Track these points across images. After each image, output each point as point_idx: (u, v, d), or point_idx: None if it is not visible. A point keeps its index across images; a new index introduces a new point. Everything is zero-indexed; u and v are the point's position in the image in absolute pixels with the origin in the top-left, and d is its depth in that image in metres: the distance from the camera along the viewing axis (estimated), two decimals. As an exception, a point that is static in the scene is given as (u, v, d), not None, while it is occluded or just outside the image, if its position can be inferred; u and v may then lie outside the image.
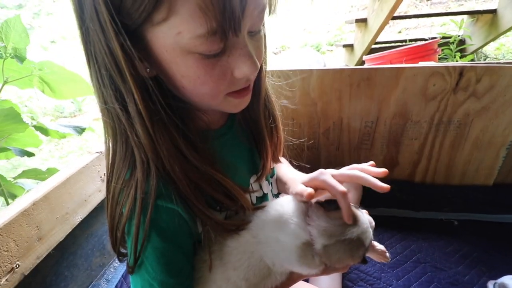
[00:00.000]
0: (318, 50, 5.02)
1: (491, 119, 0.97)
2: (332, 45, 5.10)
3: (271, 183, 0.59)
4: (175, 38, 0.31)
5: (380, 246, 0.49)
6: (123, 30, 0.30)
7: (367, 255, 0.47)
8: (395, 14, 1.95)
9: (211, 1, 0.28)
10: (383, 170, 0.46)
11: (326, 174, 0.46)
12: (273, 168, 0.62)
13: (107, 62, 0.32)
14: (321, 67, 0.97)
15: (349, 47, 2.72)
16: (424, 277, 0.74)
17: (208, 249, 0.44)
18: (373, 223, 0.45)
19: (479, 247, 0.84)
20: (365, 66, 0.96)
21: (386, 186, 0.43)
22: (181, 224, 0.40)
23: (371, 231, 0.43)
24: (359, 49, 2.41)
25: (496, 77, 0.91)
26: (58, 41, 6.03)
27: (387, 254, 0.48)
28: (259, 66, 0.36)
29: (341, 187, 0.43)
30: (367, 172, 0.46)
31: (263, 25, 0.36)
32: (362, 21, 2.33)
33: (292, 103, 0.96)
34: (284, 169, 0.63)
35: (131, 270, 0.40)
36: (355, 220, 0.41)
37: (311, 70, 0.94)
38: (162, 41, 0.32)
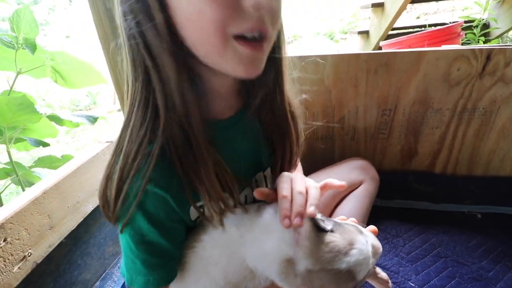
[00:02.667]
0: (332, 39, 4.87)
1: (521, 106, 0.90)
2: (346, 33, 4.93)
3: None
4: None
5: (383, 274, 0.45)
6: None
7: (369, 280, 0.43)
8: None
9: None
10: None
11: (285, 177, 0.44)
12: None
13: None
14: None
15: (365, 33, 2.61)
16: (445, 272, 0.70)
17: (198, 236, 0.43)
18: (380, 249, 0.39)
19: (504, 241, 0.79)
20: (383, 51, 0.90)
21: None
22: (168, 210, 0.39)
23: (369, 262, 0.37)
24: (375, 35, 2.31)
25: (527, 60, 0.84)
26: (73, 36, 6.14)
27: (389, 284, 0.44)
28: (275, 5, 0.33)
29: (286, 192, 0.40)
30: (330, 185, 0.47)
31: None
32: (379, 6, 2.22)
33: (305, 91, 0.93)
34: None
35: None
36: (351, 247, 0.36)
37: (325, 56, 0.90)
38: None
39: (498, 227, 0.86)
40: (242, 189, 0.47)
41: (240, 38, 0.34)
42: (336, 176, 0.77)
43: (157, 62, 0.34)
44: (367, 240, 0.39)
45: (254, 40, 0.34)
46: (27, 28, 0.91)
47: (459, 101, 0.92)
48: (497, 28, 2.18)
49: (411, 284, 0.67)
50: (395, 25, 2.38)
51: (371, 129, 1.01)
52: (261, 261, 0.39)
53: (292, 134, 0.50)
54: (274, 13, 0.33)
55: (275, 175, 0.51)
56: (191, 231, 0.45)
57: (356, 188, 0.77)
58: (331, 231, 0.38)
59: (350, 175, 0.78)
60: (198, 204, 0.41)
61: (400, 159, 1.06)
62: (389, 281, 0.45)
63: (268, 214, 0.41)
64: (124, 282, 0.65)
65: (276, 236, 0.38)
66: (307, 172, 0.85)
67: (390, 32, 2.39)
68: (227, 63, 0.36)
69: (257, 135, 0.49)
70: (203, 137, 0.37)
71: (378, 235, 0.44)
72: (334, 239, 0.37)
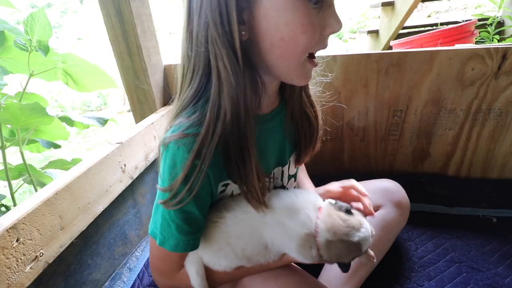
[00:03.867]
0: (340, 38, 4.82)
1: (539, 106, 0.87)
2: (355, 32, 4.86)
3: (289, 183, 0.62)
4: None
5: (371, 252, 0.52)
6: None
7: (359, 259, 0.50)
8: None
9: None
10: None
11: (353, 181, 0.63)
12: (297, 170, 0.64)
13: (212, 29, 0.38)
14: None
15: (374, 33, 2.57)
16: (458, 278, 0.68)
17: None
18: (374, 232, 0.48)
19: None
20: (394, 50, 0.88)
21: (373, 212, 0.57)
22: (205, 184, 0.44)
23: (370, 240, 0.46)
24: (385, 35, 2.27)
25: (546, 59, 0.81)
26: (85, 38, 6.26)
27: (374, 260, 0.53)
28: (341, 25, 0.41)
29: (365, 191, 0.59)
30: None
31: None
32: (389, 5, 2.19)
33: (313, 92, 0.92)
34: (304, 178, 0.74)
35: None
36: (361, 226, 0.45)
37: (334, 56, 0.89)
38: None
39: (510, 232, 0.83)
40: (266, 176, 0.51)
41: (309, 56, 0.44)
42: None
43: (228, 70, 0.39)
44: (368, 225, 0.48)
45: (313, 57, 0.44)
46: (41, 30, 0.93)
47: (474, 102, 0.89)
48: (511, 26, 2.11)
49: (435, 272, 0.65)
50: (406, 24, 2.34)
51: (382, 131, 0.99)
52: (281, 238, 0.47)
53: (316, 128, 0.57)
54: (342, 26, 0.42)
55: (296, 163, 0.60)
56: (211, 207, 0.51)
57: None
58: (348, 211, 0.47)
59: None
60: (225, 182, 0.48)
61: (412, 161, 1.03)
62: (375, 258, 0.53)
63: (289, 198, 0.50)
64: (133, 282, 0.65)
65: (298, 216, 0.47)
66: (316, 172, 0.84)
67: (401, 32, 2.35)
68: (295, 75, 0.44)
69: (286, 131, 0.55)
70: (253, 131, 0.43)
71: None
72: (350, 218, 0.46)
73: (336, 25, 0.40)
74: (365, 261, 0.52)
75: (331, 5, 0.40)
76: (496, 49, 0.82)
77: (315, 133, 0.58)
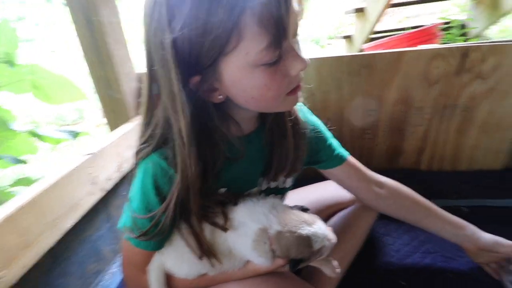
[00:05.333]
0: (318, 44, 4.96)
1: (498, 101, 0.92)
2: (332, 38, 5.02)
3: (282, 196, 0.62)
4: (245, 58, 0.37)
5: (335, 262, 0.53)
6: (199, 69, 0.39)
7: (321, 267, 0.52)
8: (394, 2, 1.90)
9: (266, 17, 0.35)
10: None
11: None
12: (290, 185, 0.63)
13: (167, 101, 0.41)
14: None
15: (349, 38, 2.67)
16: (434, 267, 0.71)
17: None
18: (333, 240, 0.48)
19: (491, 232, 0.79)
20: (364, 52, 0.92)
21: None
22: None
23: (324, 239, 0.46)
24: (358, 39, 2.36)
25: (502, 56, 0.86)
26: (59, 51, 6.06)
27: (337, 270, 0.52)
28: (307, 61, 0.41)
29: None
30: None
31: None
32: (361, 11, 2.28)
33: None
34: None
35: None
36: (313, 222, 0.46)
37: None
38: (234, 65, 0.39)
39: (485, 220, 0.86)
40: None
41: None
42: (323, 191, 0.77)
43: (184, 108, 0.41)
44: (326, 227, 0.48)
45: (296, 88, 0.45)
46: (7, 42, 0.89)
47: (440, 99, 0.94)
48: (474, 28, 2.26)
49: (401, 282, 0.66)
50: (379, 29, 2.44)
51: (357, 130, 1.02)
52: (239, 237, 0.48)
53: (289, 140, 0.54)
54: (307, 62, 0.42)
55: (268, 180, 0.57)
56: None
57: (345, 207, 0.75)
58: (304, 210, 0.50)
59: (339, 191, 0.74)
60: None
61: (386, 158, 1.06)
62: (339, 269, 0.53)
63: (251, 201, 0.51)
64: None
65: (254, 213, 0.48)
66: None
67: (374, 36, 2.45)
68: (277, 109, 0.47)
69: (263, 154, 0.55)
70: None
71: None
72: (304, 215, 0.48)
73: (300, 65, 0.41)
74: (329, 272, 0.52)
75: (291, 50, 0.40)
76: (457, 48, 0.87)
77: (294, 152, 0.55)
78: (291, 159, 0.55)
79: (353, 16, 2.48)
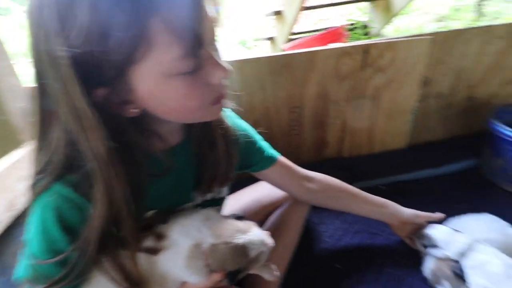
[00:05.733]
0: (244, 46, 5.08)
1: (397, 90, 1.07)
2: (258, 40, 5.21)
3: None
4: (157, 67, 0.35)
5: (273, 266, 0.53)
6: (104, 80, 0.34)
7: (260, 273, 0.51)
8: (307, 5, 2.06)
9: (177, 25, 0.33)
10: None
11: None
12: (226, 194, 0.61)
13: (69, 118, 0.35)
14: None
15: (272, 39, 2.79)
16: (362, 246, 0.78)
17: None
18: (270, 244, 0.48)
19: (406, 205, 0.91)
20: (283, 52, 0.96)
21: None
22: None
23: (261, 246, 0.45)
24: (279, 40, 2.48)
25: (394, 52, 1.01)
26: None
27: (276, 273, 0.53)
28: (228, 69, 0.40)
29: None
30: None
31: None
32: (279, 13, 2.41)
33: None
34: None
35: None
36: (249, 230, 0.46)
37: (230, 62, 0.90)
38: (146, 75, 0.35)
39: (400, 194, 1.00)
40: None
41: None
42: (258, 193, 0.77)
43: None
44: (262, 233, 0.48)
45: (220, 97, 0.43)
46: None
47: (351, 92, 1.04)
48: (373, 28, 2.61)
49: (337, 266, 0.71)
50: (297, 30, 2.61)
51: (285, 128, 1.06)
52: (171, 256, 0.44)
53: (220, 149, 0.52)
54: (228, 69, 0.40)
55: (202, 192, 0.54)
56: None
57: (280, 205, 0.76)
58: (239, 218, 0.49)
59: (273, 191, 0.75)
60: None
61: (314, 151, 1.14)
62: (278, 272, 0.53)
63: (183, 216, 0.48)
64: None
65: (186, 229, 0.46)
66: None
67: (293, 37, 2.62)
68: (202, 119, 0.45)
69: (193, 166, 0.52)
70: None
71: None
72: (238, 223, 0.47)
73: (220, 73, 0.39)
74: (268, 276, 0.52)
75: (209, 57, 0.38)
76: (360, 45, 0.98)
77: (226, 160, 0.53)
78: (223, 168, 0.53)
79: (272, 18, 2.60)
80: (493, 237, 0.71)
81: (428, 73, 1.08)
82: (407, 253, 0.76)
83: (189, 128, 0.50)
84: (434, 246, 0.66)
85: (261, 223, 0.74)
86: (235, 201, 0.74)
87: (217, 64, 0.38)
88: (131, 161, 0.40)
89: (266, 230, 0.71)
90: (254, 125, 1.01)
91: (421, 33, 1.04)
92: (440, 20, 3.19)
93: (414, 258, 0.73)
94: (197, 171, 0.52)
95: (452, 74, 1.12)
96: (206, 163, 0.51)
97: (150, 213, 0.48)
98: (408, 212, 0.73)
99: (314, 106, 1.04)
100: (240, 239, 0.44)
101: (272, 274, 0.51)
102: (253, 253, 0.44)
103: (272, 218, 0.74)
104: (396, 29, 3.05)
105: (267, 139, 1.06)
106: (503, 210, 0.91)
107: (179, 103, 0.39)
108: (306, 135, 1.09)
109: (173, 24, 0.32)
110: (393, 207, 0.73)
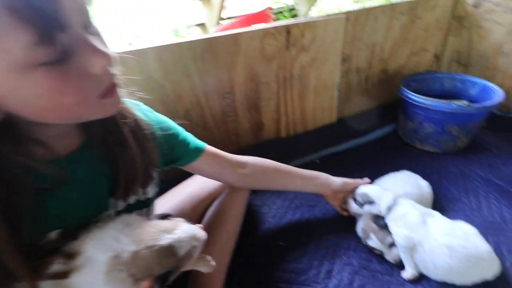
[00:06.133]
0: (177, 35, 4.80)
1: (320, 67, 1.12)
2: (190, 27, 4.96)
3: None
4: (7, 59, 0.28)
5: (208, 257, 0.51)
6: None
7: (195, 268, 0.49)
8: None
9: (22, 5, 0.27)
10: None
11: None
12: (154, 194, 0.55)
13: None
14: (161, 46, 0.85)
15: (203, 25, 2.68)
16: (302, 220, 0.81)
17: None
18: (203, 237, 0.46)
19: (339, 175, 0.97)
20: (203, 36, 0.91)
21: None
22: None
23: (191, 242, 0.43)
24: (209, 26, 2.39)
25: (314, 31, 1.04)
26: None
27: (212, 263, 0.51)
28: (110, 54, 0.34)
29: None
30: None
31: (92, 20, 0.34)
32: (205, -2, 2.30)
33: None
34: None
35: None
36: (174, 229, 0.42)
37: (143, 50, 0.82)
38: None
39: (332, 165, 1.07)
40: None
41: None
42: (193, 187, 0.73)
43: None
44: (192, 227, 0.45)
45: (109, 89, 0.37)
46: None
47: (279, 72, 1.06)
48: (300, 10, 2.69)
49: (280, 243, 0.73)
50: (227, 15, 2.55)
51: (218, 115, 1.03)
52: (88, 275, 0.39)
53: (132, 146, 0.46)
54: (114, 60, 0.35)
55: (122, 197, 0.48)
56: None
57: (218, 196, 0.74)
58: (165, 217, 0.46)
59: (208, 182, 0.72)
60: None
61: (252, 135, 1.14)
62: (213, 264, 0.51)
63: (97, 228, 0.43)
64: None
65: (103, 241, 0.41)
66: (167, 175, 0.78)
67: (223, 22, 2.54)
68: (91, 116, 0.38)
69: (103, 171, 0.46)
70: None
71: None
72: (162, 223, 0.43)
73: (99, 60, 0.33)
74: (205, 269, 0.50)
75: (83, 43, 0.32)
76: (281, 26, 0.99)
77: (142, 158, 0.48)
78: (140, 167, 0.48)
79: (200, 4, 2.49)
80: (409, 190, 0.81)
81: (346, 50, 1.15)
82: (342, 218, 0.82)
83: (88, 129, 0.44)
84: (370, 202, 0.72)
85: (201, 217, 0.71)
86: (169, 199, 0.70)
87: (94, 51, 0.33)
88: (2, 179, 0.33)
89: (206, 222, 0.70)
90: (185, 115, 0.97)
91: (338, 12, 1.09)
92: (357, 1, 3.46)
93: (348, 223, 0.79)
94: (111, 175, 0.46)
95: (367, 50, 1.22)
96: (119, 165, 0.46)
97: (54, 233, 0.41)
98: (338, 180, 0.78)
99: (245, 90, 1.03)
100: (166, 239, 0.40)
101: (208, 265, 0.50)
102: (182, 251, 0.41)
103: (212, 209, 0.71)
104: (320, 11, 3.21)
105: (203, 129, 1.03)
106: (416, 165, 1.05)
107: (51, 101, 0.32)
108: (242, 120, 1.08)
109: (16, 3, 0.26)
110: (324, 178, 0.77)
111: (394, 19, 1.21)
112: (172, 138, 0.56)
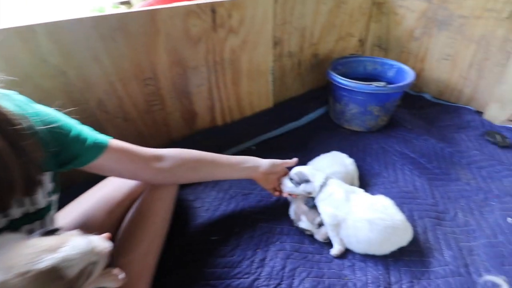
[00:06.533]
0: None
1: (252, 51, 1.09)
2: (117, 6, 4.42)
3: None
4: None
5: (115, 271, 0.45)
6: None
7: (101, 285, 0.42)
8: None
9: None
10: None
11: None
12: (51, 202, 0.46)
13: None
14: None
15: (128, 3, 2.39)
16: (236, 211, 0.79)
17: None
18: (106, 249, 0.40)
19: (275, 158, 0.97)
20: (111, 12, 0.78)
21: None
22: None
23: (87, 260, 0.37)
24: (136, 2, 2.15)
25: (242, 11, 0.99)
26: None
27: (121, 276, 0.44)
28: None
29: None
30: None
31: None
32: (126, -29, 2.04)
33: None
34: None
35: None
36: (60, 246, 0.35)
37: (31, 27, 0.66)
38: None
39: (267, 152, 1.07)
40: None
41: None
42: (106, 189, 0.63)
43: None
44: (89, 240, 0.38)
45: None
46: None
47: (208, 56, 0.99)
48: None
49: (212, 238, 0.70)
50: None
51: (141, 104, 0.92)
52: None
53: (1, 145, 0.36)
54: None
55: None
56: None
57: (139, 195, 0.65)
58: (51, 232, 0.38)
59: (125, 182, 0.63)
60: None
61: (185, 124, 1.06)
62: (122, 276, 0.45)
63: None
64: None
65: None
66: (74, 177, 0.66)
67: None
68: None
69: None
70: None
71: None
72: (46, 240, 0.36)
73: None
74: (113, 284, 0.44)
75: None
76: (205, 4, 0.91)
77: (18, 160, 0.39)
78: (16, 171, 0.38)
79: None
80: (337, 169, 0.85)
81: (277, 33, 1.13)
82: (276, 203, 0.82)
83: None
84: (306, 181, 0.71)
85: (120, 222, 0.63)
86: (77, 207, 0.60)
87: None
88: None
89: (125, 226, 0.62)
90: (99, 106, 0.84)
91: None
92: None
93: (282, 208, 0.80)
94: None
95: (297, 34, 1.22)
96: None
97: None
98: (266, 162, 0.74)
99: (171, 75, 0.94)
100: (46, 261, 0.33)
101: (116, 280, 0.43)
102: (73, 271, 0.35)
103: (131, 212, 0.64)
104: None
105: (124, 120, 0.91)
106: (344, 144, 1.11)
107: None
108: (171, 109, 0.99)
109: None
110: (252, 161, 0.73)
111: (321, 4, 1.23)
112: (61, 134, 0.46)
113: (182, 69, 0.95)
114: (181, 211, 0.77)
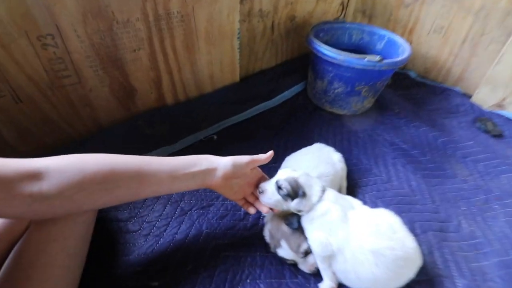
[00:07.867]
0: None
1: (211, 5, 0.79)
2: None
3: None
4: None
5: None
6: None
7: None
8: None
9: None
10: None
11: None
12: None
13: None
14: None
15: None
16: (191, 234, 0.57)
17: None
18: None
19: (242, 148, 0.74)
20: None
21: None
22: None
23: None
24: None
25: None
26: None
27: None
28: None
29: None
30: None
31: None
32: None
33: None
34: None
35: None
36: None
37: None
38: None
39: (232, 140, 0.84)
40: None
41: None
42: None
43: None
44: None
45: None
46: None
47: (146, 5, 0.68)
48: None
49: (152, 283, 0.48)
50: None
51: (44, 76, 0.61)
52: None
53: None
54: None
55: None
56: None
57: (23, 232, 0.41)
58: None
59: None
60: None
61: (118, 105, 0.76)
62: None
63: None
64: None
65: None
66: None
67: None
68: None
69: None
70: None
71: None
72: None
73: None
74: None
75: None
76: None
77: None
78: None
79: None
80: (324, 170, 0.66)
81: (245, -19, 0.85)
82: (246, 218, 0.61)
83: None
84: (302, 193, 0.50)
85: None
86: None
87: None
88: None
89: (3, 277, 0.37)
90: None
91: None
92: None
93: (255, 225, 0.59)
94: None
95: (272, -15, 0.94)
96: None
97: None
98: (226, 161, 0.50)
99: (87, 33, 0.62)
100: None
101: None
102: None
103: (8, 262, 0.38)
104: None
105: (14, 103, 0.59)
106: (326, 132, 0.92)
107: None
108: (92, 83, 0.69)
109: None
110: (205, 162, 0.48)
111: None
112: None
113: (106, 24, 0.64)
114: (107, 239, 0.52)
